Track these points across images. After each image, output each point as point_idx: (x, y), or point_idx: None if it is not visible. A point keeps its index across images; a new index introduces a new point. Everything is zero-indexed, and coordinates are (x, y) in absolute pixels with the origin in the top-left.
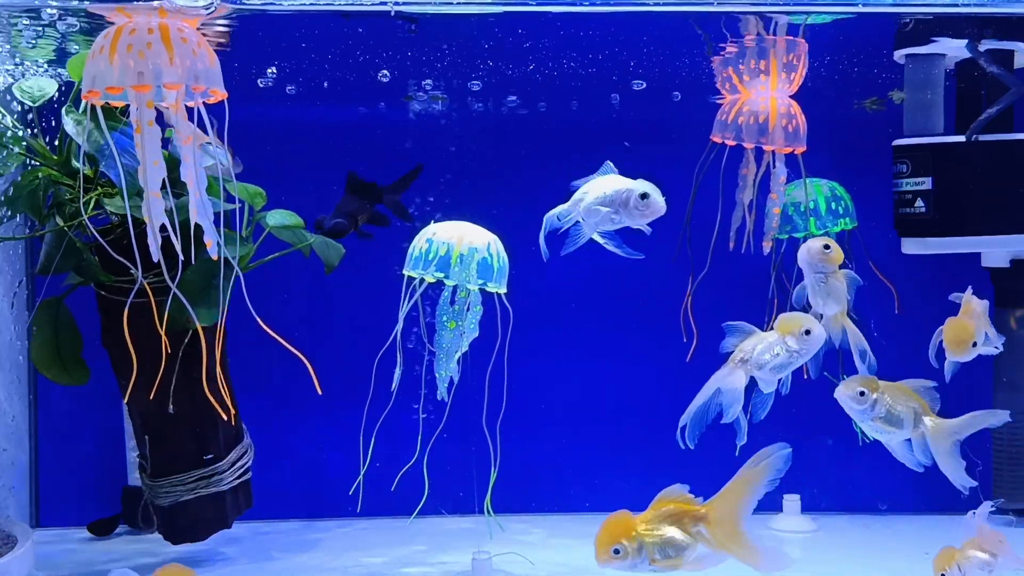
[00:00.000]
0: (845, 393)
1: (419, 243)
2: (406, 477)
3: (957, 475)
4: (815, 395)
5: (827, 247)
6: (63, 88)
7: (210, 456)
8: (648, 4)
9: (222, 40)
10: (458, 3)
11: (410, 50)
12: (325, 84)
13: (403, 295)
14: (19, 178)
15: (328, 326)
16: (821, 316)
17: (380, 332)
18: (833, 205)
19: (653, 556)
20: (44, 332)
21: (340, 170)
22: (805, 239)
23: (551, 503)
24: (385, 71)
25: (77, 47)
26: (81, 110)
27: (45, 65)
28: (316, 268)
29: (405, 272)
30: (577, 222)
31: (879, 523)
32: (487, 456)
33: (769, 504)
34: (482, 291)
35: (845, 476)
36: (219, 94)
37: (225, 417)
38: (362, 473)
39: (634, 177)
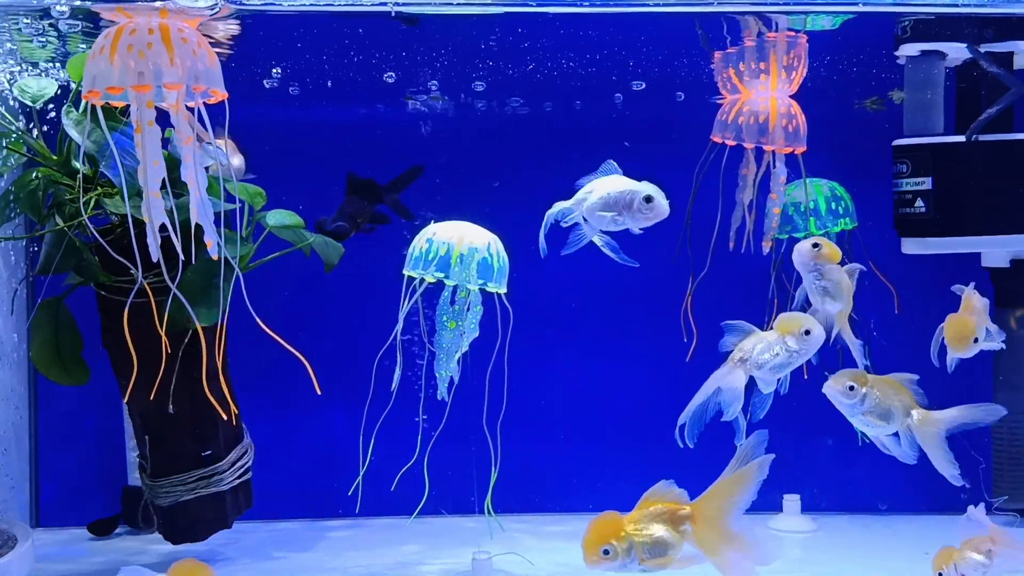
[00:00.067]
0: (834, 388)
1: (419, 243)
2: (406, 477)
3: (946, 467)
4: (815, 395)
5: (816, 245)
6: (63, 89)
7: (208, 452)
8: (648, 4)
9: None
10: (458, 3)
11: (410, 50)
12: (325, 84)
13: (403, 295)
14: (19, 178)
15: (328, 326)
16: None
17: (380, 332)
18: (833, 205)
19: (642, 556)
20: (44, 332)
21: (340, 170)
22: (805, 239)
23: (551, 503)
24: (387, 72)
25: (84, 46)
26: (81, 110)
27: (45, 66)
28: (316, 268)
29: (405, 272)
30: (577, 222)
31: (879, 523)
32: (487, 456)
33: (769, 504)
34: (482, 291)
35: (845, 476)
36: (219, 94)
37: (225, 417)
38: (361, 473)
39: (634, 177)
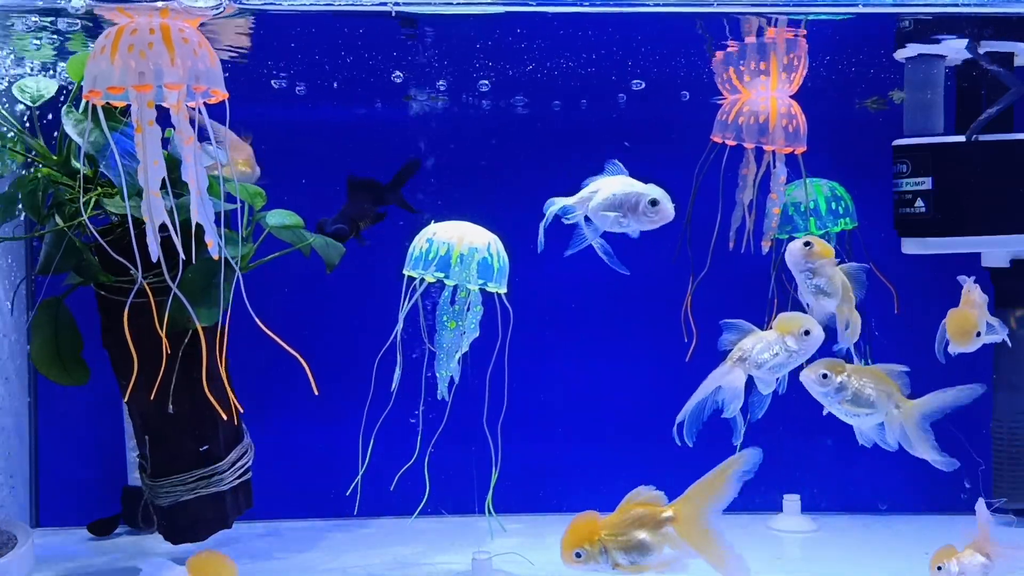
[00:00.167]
0: (808, 376)
1: (419, 243)
2: (406, 477)
3: (930, 454)
4: None
5: (807, 244)
6: (63, 89)
7: (205, 447)
8: (648, 4)
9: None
10: (458, 3)
11: (410, 50)
12: (325, 84)
13: (403, 295)
14: (19, 177)
15: (328, 326)
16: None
17: (380, 332)
18: (833, 205)
19: (616, 560)
20: (44, 332)
21: (340, 170)
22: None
23: (551, 503)
24: (386, 72)
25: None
26: (81, 110)
27: (45, 65)
28: (316, 268)
29: (405, 272)
30: (578, 222)
31: (879, 523)
32: (487, 456)
33: (769, 504)
34: (482, 291)
35: (845, 476)
36: (220, 94)
37: (226, 417)
38: (360, 473)
39: (633, 177)
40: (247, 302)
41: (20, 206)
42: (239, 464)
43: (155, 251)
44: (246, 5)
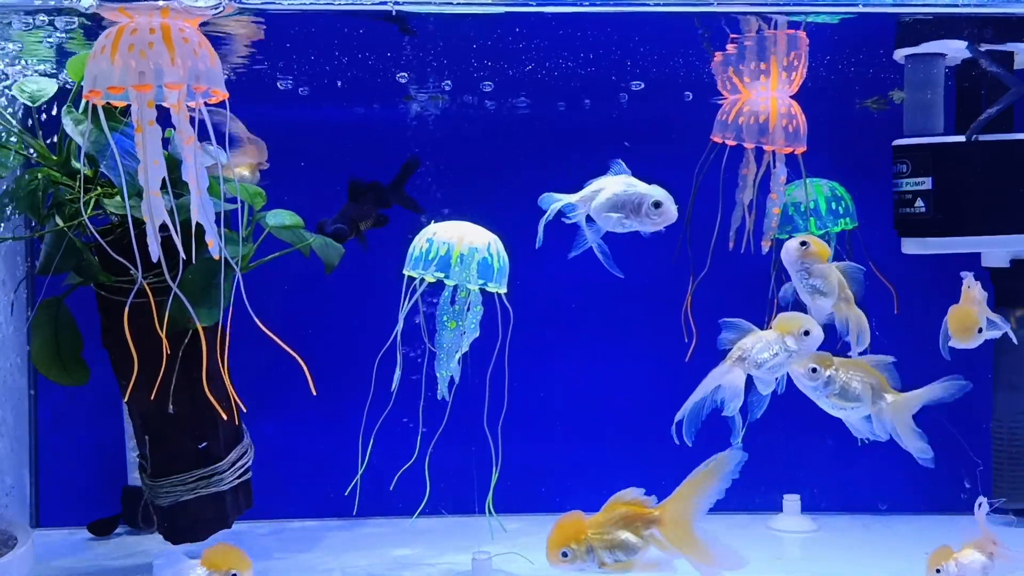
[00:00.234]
0: (797, 371)
1: (419, 243)
2: (406, 477)
3: (916, 446)
4: None
5: (803, 243)
6: (63, 89)
7: (204, 444)
8: (648, 4)
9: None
10: (458, 3)
11: (410, 51)
12: (325, 84)
13: (403, 295)
14: (19, 178)
15: (328, 326)
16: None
17: (380, 332)
18: (833, 205)
19: (602, 560)
20: (44, 332)
21: (340, 170)
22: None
23: (551, 503)
24: (387, 72)
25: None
26: (81, 110)
27: (43, 65)
28: (316, 268)
29: (405, 272)
30: (578, 222)
31: (879, 523)
32: (488, 456)
33: (769, 504)
34: (482, 291)
35: (845, 476)
36: (220, 94)
37: (226, 417)
38: (360, 473)
39: (633, 177)
40: (247, 302)
41: (14, 207)
42: (239, 464)
43: (155, 251)
44: (246, 5)
